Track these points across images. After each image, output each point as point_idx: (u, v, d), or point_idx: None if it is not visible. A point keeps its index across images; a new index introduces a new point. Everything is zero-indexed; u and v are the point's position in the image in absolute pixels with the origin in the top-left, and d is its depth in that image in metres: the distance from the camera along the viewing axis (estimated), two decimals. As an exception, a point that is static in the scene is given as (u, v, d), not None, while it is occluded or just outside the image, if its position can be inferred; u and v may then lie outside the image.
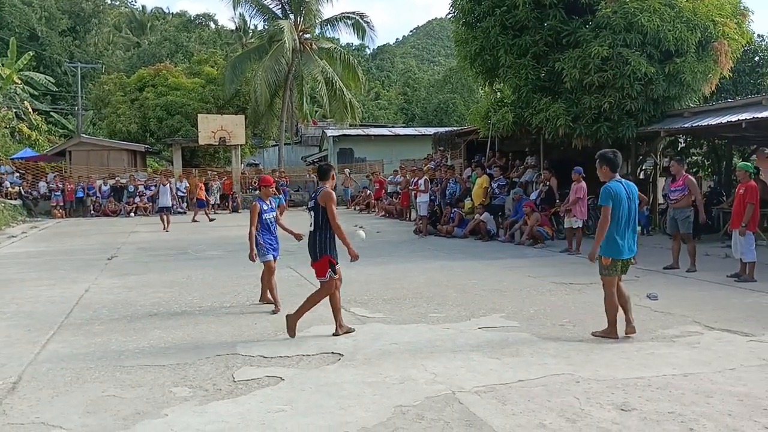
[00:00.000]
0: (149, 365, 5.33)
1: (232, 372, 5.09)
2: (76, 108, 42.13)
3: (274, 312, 7.23)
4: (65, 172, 29.25)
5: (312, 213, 6.05)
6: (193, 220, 21.85)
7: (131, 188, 27.19)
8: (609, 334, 5.88)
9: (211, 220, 21.93)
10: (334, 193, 6.18)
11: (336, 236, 6.03)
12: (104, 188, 27.06)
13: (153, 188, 27.39)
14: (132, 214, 26.30)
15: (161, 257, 12.62)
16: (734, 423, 3.88)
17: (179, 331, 6.50)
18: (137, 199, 26.94)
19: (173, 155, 32.26)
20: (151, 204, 27.02)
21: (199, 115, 30.80)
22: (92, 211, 26.39)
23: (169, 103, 33.95)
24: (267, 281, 7.54)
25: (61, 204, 25.94)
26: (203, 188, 24.05)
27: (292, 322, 6.10)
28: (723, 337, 5.88)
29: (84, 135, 35.39)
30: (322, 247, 5.98)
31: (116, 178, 27.86)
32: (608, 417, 4.02)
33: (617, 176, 5.99)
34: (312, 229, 6.01)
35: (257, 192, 7.65)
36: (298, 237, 7.49)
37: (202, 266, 11.19)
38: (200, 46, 56.42)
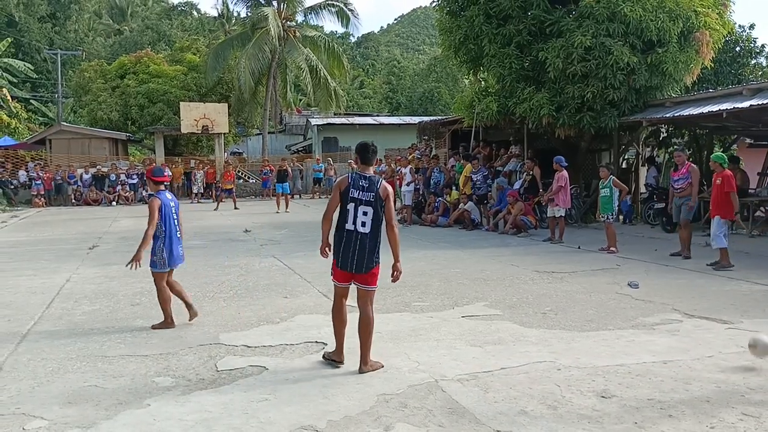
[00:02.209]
0: (131, 355, 5.30)
1: (215, 362, 5.07)
2: (56, 95, 41.48)
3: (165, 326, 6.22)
4: (46, 160, 28.87)
5: (363, 209, 4.75)
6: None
7: (113, 177, 26.93)
8: None
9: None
10: None
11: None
12: (85, 177, 26.79)
13: (135, 177, 27.19)
14: (114, 203, 26.07)
15: (144, 247, 12.50)
16: (712, 409, 3.95)
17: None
18: (119, 188, 26.69)
19: (155, 144, 31.95)
20: (133, 193, 26.81)
21: (181, 103, 30.50)
22: (73, 200, 26.12)
23: (150, 90, 33.55)
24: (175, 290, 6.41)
25: (42, 193, 25.63)
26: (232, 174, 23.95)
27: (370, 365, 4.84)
28: (702, 325, 5.97)
29: (64, 123, 34.92)
30: (378, 251, 4.90)
31: (97, 167, 27.55)
32: (588, 404, 4.07)
33: None
34: (366, 230, 4.77)
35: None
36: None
37: (185, 256, 11.09)
38: (182, 33, 55.76)
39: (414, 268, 9.36)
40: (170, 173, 27.47)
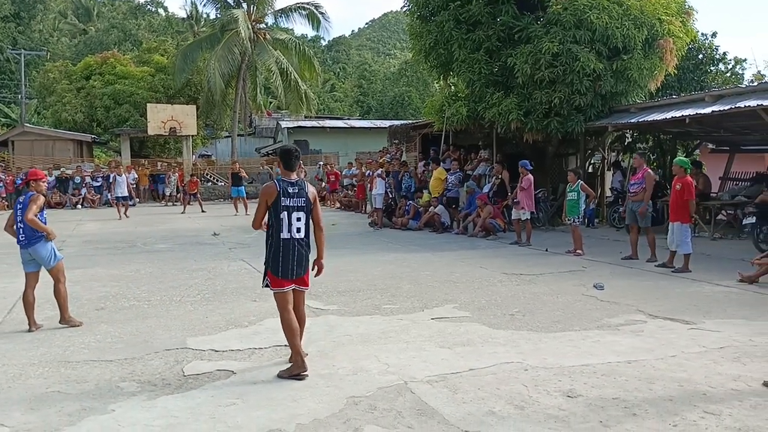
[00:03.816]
0: (95, 360, 5.19)
1: (182, 366, 5.01)
2: (20, 96, 40.54)
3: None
4: (8, 162, 28.16)
5: (296, 215, 4.78)
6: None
7: (77, 179, 26.40)
8: None
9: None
10: None
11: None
12: (49, 179, 26.13)
13: (101, 179, 26.71)
14: (78, 206, 25.55)
15: (108, 250, 12.30)
16: (675, 408, 4.03)
17: (127, 325, 6.35)
18: (84, 191, 26.17)
19: (121, 146, 31.46)
20: (99, 196, 26.33)
21: (148, 104, 30.10)
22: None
23: (116, 92, 33.03)
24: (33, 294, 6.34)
25: (4, 196, 25.00)
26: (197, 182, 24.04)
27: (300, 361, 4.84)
28: (665, 325, 6.09)
29: (28, 124, 34.17)
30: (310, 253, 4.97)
31: (62, 169, 26.98)
32: (555, 403, 4.12)
33: None
34: (302, 235, 4.81)
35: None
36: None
37: (151, 259, 10.96)
38: (149, 34, 54.98)
39: (384, 271, 9.38)
40: (136, 176, 27.21)
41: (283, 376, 4.70)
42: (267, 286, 4.86)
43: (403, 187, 17.20)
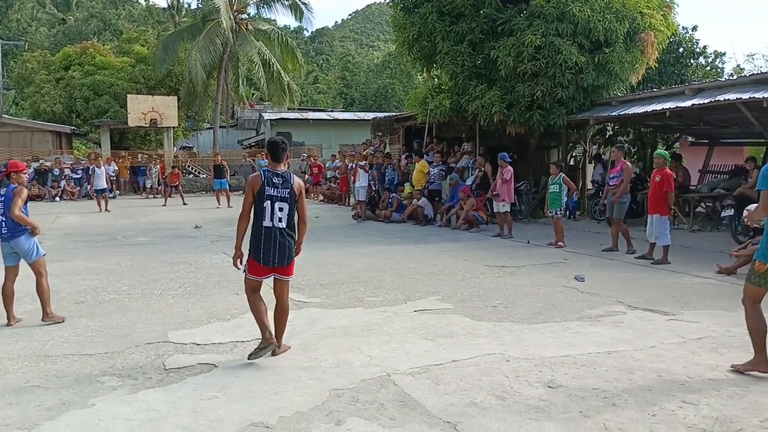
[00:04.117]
0: (75, 354, 5.14)
1: (163, 360, 4.98)
2: (-4, 87, 39.83)
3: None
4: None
5: (279, 205, 4.88)
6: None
7: (56, 171, 26.01)
8: (757, 366, 4.50)
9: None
10: None
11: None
12: (28, 171, 25.77)
13: (80, 172, 26.37)
14: (57, 198, 25.19)
15: (88, 243, 12.16)
16: (654, 397, 4.09)
17: (107, 319, 6.29)
18: (63, 183, 25.81)
19: (101, 137, 31.04)
20: (78, 188, 25.99)
21: (128, 95, 29.69)
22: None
23: (96, 82, 32.53)
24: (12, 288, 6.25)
25: (-20, 188, 24.56)
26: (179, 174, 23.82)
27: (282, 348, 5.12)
28: (645, 317, 6.17)
29: (6, 116, 33.46)
30: (294, 244, 5.06)
31: (40, 161, 26.56)
32: (536, 394, 4.16)
33: None
34: (284, 224, 4.90)
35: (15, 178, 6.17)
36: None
37: (132, 252, 10.85)
38: (130, 23, 54.27)
39: (367, 264, 9.39)
40: (116, 168, 26.89)
41: (253, 358, 4.86)
42: (245, 271, 5.02)
43: (386, 180, 17.19)
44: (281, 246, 4.90)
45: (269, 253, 4.88)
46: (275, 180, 4.89)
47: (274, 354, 4.96)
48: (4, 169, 6.35)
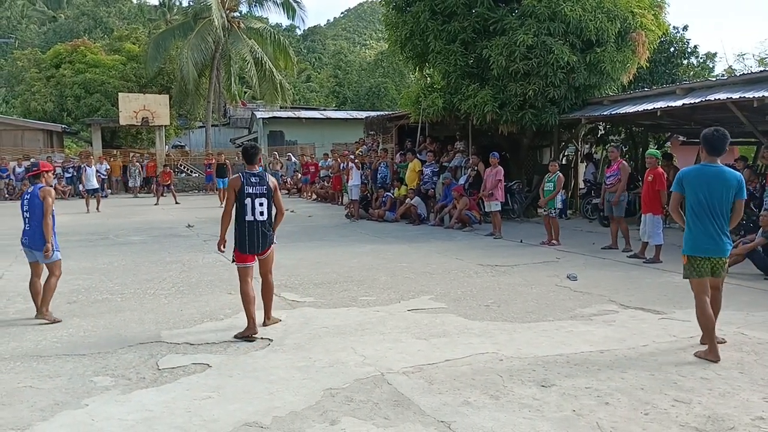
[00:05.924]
0: (68, 355, 5.12)
1: (157, 360, 4.96)
2: (-14, 85, 39.55)
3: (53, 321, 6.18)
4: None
5: (259, 200, 5.64)
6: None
7: (47, 170, 25.84)
8: (707, 355, 4.78)
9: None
10: None
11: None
12: (18, 170, 25.61)
13: (72, 170, 26.24)
14: (48, 197, 25.03)
15: (80, 242, 12.10)
16: (646, 396, 4.12)
17: (100, 319, 6.27)
18: (54, 182, 25.65)
19: (92, 136, 30.87)
20: (70, 187, 25.87)
21: (120, 93, 29.57)
22: (6, 195, 24.99)
23: (87, 80, 32.37)
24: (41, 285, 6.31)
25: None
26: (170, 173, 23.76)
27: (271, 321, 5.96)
28: (637, 315, 6.21)
29: (-5, 114, 33.31)
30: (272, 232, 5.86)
31: (31, 160, 26.36)
32: (529, 393, 4.18)
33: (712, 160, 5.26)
34: (264, 218, 5.68)
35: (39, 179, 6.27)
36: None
37: (124, 252, 10.81)
38: (121, 21, 53.98)
39: (361, 263, 9.39)
40: (108, 167, 26.75)
41: (238, 336, 5.47)
42: (233, 261, 5.74)
43: (378, 177, 17.20)
44: (263, 236, 5.68)
45: (253, 244, 5.65)
46: (253, 179, 5.66)
47: (264, 325, 5.77)
48: (35, 169, 6.39)
